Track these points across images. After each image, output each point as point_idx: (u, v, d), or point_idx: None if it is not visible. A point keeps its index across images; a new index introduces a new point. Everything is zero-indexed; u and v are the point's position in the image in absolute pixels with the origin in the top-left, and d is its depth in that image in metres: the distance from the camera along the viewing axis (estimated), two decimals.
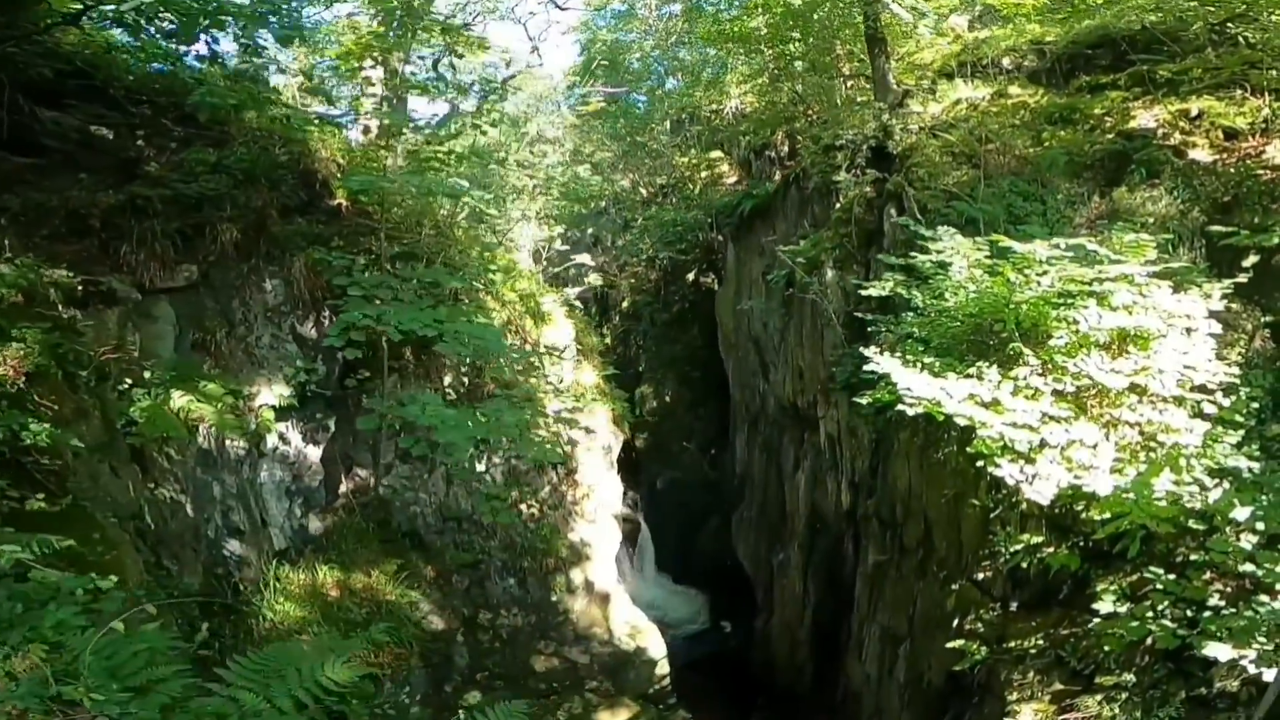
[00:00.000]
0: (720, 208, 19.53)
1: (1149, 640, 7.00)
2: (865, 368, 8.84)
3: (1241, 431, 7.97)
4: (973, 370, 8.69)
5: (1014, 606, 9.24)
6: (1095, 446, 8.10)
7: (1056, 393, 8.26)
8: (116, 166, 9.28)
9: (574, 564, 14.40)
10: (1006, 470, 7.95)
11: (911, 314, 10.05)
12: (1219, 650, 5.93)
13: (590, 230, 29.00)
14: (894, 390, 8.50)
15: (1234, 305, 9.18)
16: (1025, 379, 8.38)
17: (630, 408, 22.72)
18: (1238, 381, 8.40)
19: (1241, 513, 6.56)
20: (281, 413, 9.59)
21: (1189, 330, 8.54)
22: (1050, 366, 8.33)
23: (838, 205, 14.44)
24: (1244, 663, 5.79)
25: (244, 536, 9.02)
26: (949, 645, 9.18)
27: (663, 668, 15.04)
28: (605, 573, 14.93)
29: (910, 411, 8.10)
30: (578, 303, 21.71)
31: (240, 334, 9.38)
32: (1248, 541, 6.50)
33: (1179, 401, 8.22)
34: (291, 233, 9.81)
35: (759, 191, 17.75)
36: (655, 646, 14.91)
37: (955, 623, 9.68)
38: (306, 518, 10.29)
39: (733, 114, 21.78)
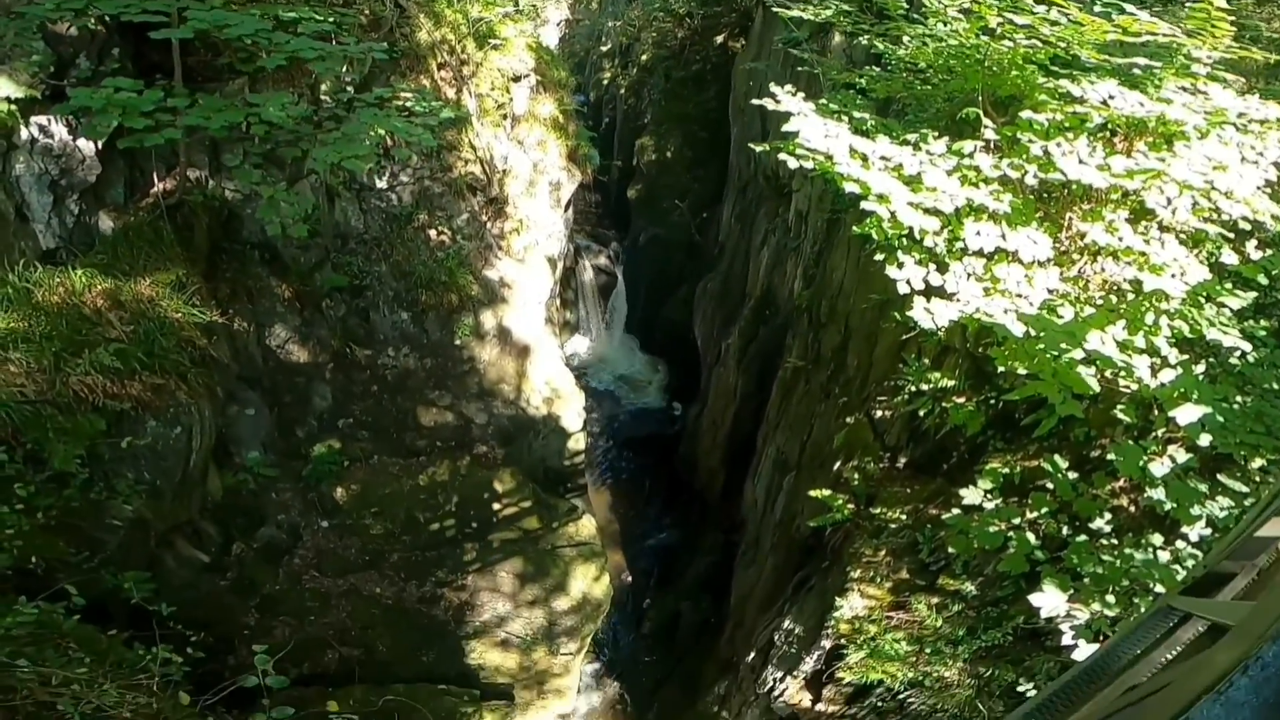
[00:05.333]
0: None
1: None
2: (771, 106, 6.30)
3: (1255, 296, 5.36)
4: (913, 136, 6.12)
5: (902, 462, 7.28)
6: (1035, 266, 5.63)
7: (1007, 181, 5.68)
8: None
9: (486, 305, 12.50)
10: (907, 273, 5.59)
11: (876, 69, 7.38)
12: (1047, 600, 3.98)
13: None
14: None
15: None
16: (970, 155, 5.78)
17: (630, 158, 20.56)
18: None
19: (1187, 414, 4.23)
20: (41, 105, 7.83)
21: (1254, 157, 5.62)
22: (1008, 146, 5.68)
23: None
24: (1065, 626, 3.81)
25: None
26: (816, 494, 7.37)
27: (577, 442, 13.66)
28: (528, 321, 13.04)
29: (792, 164, 5.70)
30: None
31: None
32: (1170, 459, 4.23)
33: (1188, 239, 5.59)
34: None
35: None
36: (572, 417, 13.39)
37: (837, 465, 7.82)
38: (94, 216, 8.59)
39: None
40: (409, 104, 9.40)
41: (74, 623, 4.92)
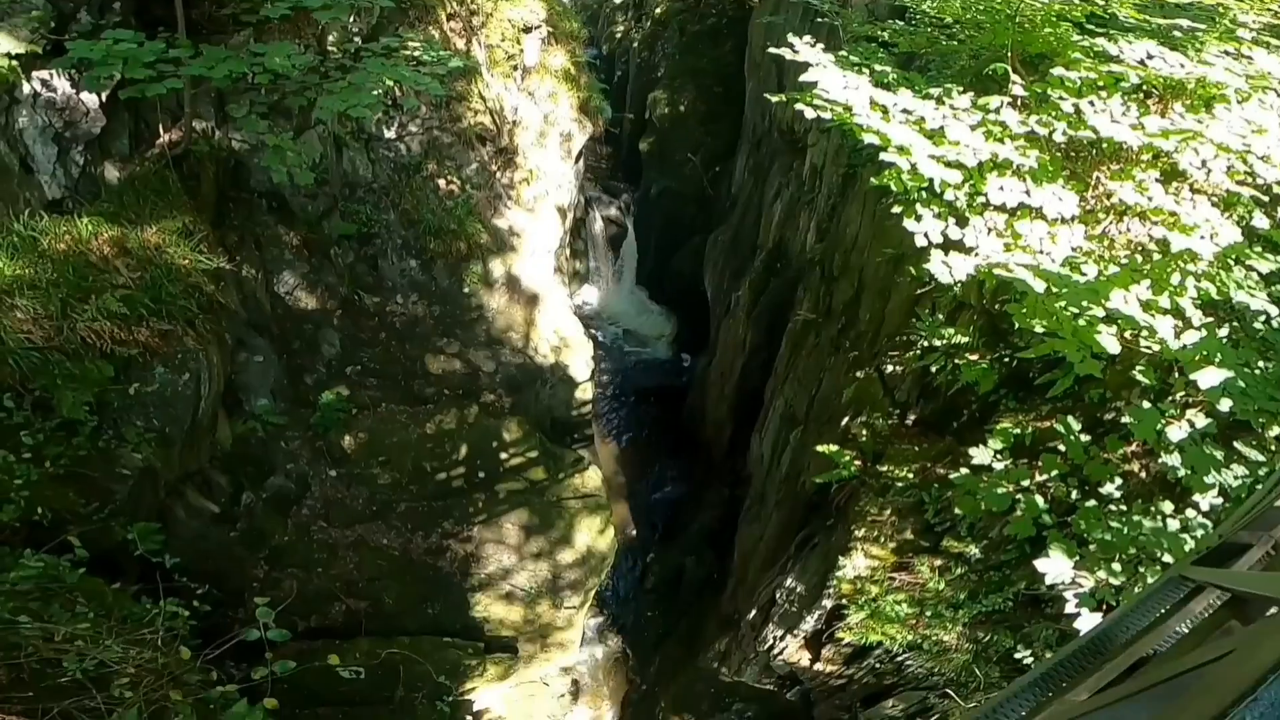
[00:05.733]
0: None
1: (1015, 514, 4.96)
2: (789, 56, 6.12)
3: None
4: (936, 90, 5.96)
5: (911, 419, 7.20)
6: (1060, 224, 5.50)
7: (1034, 138, 5.52)
8: None
9: (495, 253, 12.43)
10: (925, 226, 5.47)
11: (899, 23, 7.20)
12: (1052, 565, 3.93)
13: None
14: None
15: None
16: (997, 110, 5.62)
17: (642, 111, 20.28)
18: None
19: (1209, 377, 4.12)
20: (42, 60, 7.68)
21: None
22: (1036, 103, 5.51)
23: None
24: (1068, 593, 3.78)
25: None
26: (823, 450, 7.31)
27: (585, 392, 13.63)
28: (537, 270, 12.97)
29: (810, 114, 5.57)
30: None
31: None
32: (1189, 423, 4.13)
33: (1219, 202, 5.42)
34: None
35: None
36: (580, 366, 13.35)
37: (845, 421, 7.75)
38: (99, 167, 8.49)
39: None
40: (417, 54, 9.23)
41: (80, 576, 4.93)
